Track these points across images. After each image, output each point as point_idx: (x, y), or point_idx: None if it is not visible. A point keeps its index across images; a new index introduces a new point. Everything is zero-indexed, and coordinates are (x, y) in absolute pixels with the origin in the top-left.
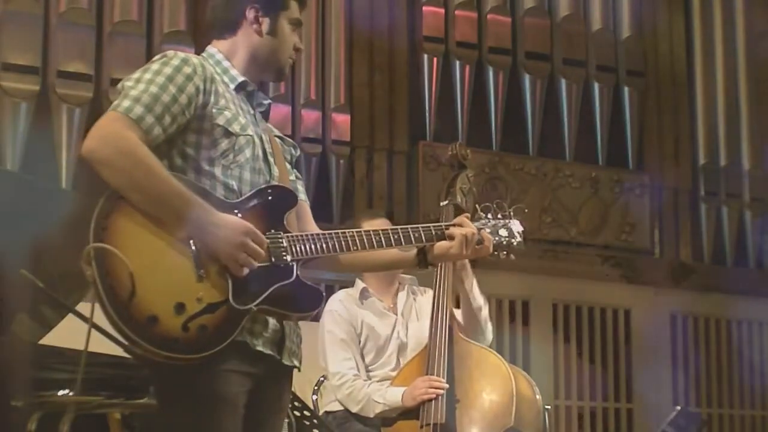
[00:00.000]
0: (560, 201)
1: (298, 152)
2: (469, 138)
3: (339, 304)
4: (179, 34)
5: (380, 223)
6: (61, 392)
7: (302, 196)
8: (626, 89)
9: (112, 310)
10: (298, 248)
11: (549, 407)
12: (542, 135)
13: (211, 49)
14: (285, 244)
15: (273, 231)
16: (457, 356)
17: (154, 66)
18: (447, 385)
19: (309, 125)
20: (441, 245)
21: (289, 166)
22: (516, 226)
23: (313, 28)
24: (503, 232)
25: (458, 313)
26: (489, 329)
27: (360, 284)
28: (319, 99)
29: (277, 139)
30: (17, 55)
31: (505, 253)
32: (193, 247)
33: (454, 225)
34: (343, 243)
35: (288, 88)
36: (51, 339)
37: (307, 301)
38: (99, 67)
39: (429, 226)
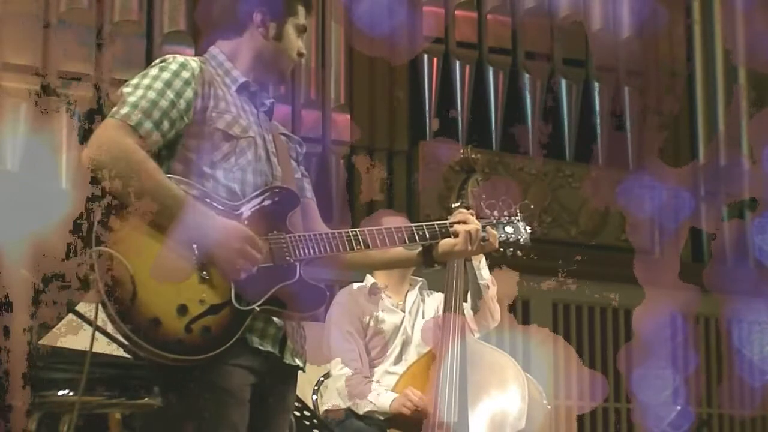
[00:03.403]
0: (560, 201)
1: (305, 149)
2: (469, 138)
3: (348, 297)
4: (179, 34)
5: (401, 221)
6: (61, 392)
7: (308, 194)
8: (626, 89)
9: (115, 313)
10: (300, 249)
11: (549, 407)
12: (542, 135)
13: (214, 50)
14: (287, 246)
15: (275, 232)
16: (470, 358)
17: (153, 71)
18: (423, 404)
19: (309, 125)
20: (446, 242)
21: (294, 164)
22: (522, 223)
23: (314, 28)
24: (509, 230)
25: (466, 307)
26: (497, 309)
27: (370, 279)
28: (319, 99)
29: (283, 137)
30: (17, 55)
31: (511, 250)
32: (195, 250)
33: (458, 222)
34: (346, 243)
35: (288, 88)
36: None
37: (311, 301)
38: (98, 67)
39: (434, 224)
